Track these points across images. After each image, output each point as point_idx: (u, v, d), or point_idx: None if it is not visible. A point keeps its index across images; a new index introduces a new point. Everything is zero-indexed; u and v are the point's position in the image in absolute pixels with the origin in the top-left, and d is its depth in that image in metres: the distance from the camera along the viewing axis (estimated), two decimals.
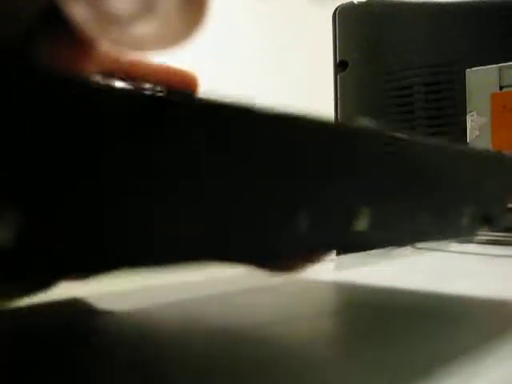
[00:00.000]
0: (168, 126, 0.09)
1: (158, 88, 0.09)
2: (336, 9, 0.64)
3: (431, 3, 0.59)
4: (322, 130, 0.12)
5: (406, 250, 0.38)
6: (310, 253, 0.15)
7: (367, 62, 0.62)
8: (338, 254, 0.38)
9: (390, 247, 0.32)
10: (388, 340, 0.16)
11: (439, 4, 0.59)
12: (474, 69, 0.46)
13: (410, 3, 0.60)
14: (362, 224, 0.14)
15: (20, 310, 0.19)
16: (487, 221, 0.23)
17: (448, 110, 0.57)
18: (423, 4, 0.59)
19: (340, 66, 0.63)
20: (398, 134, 0.15)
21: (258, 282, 0.24)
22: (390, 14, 0.61)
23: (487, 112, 0.44)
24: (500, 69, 0.44)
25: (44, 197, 0.08)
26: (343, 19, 0.63)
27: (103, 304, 0.21)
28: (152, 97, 0.09)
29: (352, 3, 0.62)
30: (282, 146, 0.11)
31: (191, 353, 0.15)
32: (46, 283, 0.15)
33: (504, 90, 0.44)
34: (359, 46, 0.63)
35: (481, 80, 0.45)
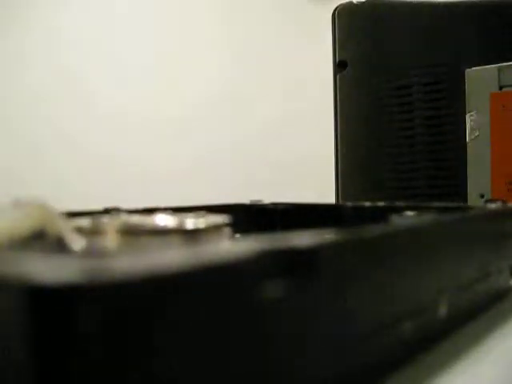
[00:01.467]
0: None
1: None
2: (335, 9, 0.64)
3: (431, 3, 0.59)
4: None
5: None
6: None
7: (367, 62, 0.62)
8: None
9: None
10: None
11: (439, 4, 0.58)
12: (473, 69, 0.46)
13: (410, 3, 0.60)
14: None
15: None
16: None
17: (447, 109, 0.57)
18: (423, 4, 0.59)
19: (339, 66, 0.63)
20: None
21: None
22: (390, 14, 0.61)
23: (487, 112, 0.44)
24: (499, 69, 0.44)
25: None
26: (342, 19, 0.63)
27: None
28: None
29: (351, 3, 0.62)
30: None
31: None
32: None
33: (503, 89, 0.44)
34: (359, 45, 0.63)
35: (480, 80, 0.45)
